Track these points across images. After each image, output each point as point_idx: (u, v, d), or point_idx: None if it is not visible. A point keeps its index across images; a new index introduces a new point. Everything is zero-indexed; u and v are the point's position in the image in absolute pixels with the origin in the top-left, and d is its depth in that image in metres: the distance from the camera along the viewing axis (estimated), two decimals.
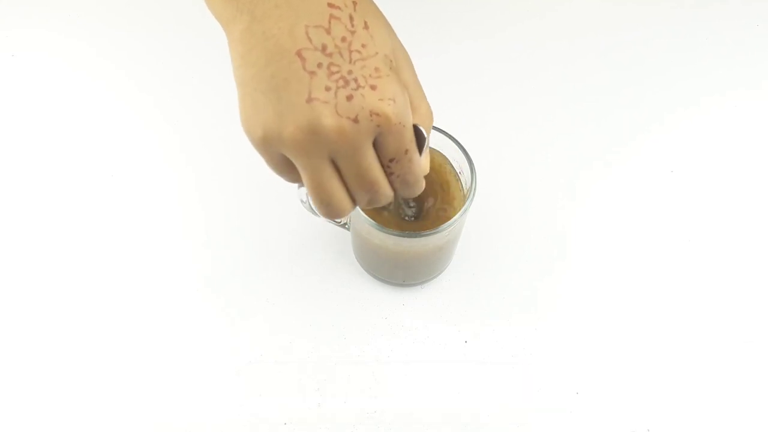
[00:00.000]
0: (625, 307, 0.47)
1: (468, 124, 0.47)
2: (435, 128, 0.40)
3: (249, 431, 0.42)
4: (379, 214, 0.41)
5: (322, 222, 0.47)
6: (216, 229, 0.49)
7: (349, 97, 0.26)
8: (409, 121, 0.28)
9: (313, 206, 0.31)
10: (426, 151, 0.31)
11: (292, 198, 0.49)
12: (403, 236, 0.39)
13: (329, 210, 0.30)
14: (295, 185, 0.41)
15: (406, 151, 0.29)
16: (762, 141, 0.54)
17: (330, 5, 0.27)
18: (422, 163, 0.31)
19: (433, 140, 0.41)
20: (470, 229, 0.49)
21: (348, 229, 0.46)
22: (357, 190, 0.29)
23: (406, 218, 0.41)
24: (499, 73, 0.57)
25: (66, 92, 0.55)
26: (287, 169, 0.29)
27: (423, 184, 0.32)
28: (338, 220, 0.45)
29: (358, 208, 0.38)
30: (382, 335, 0.46)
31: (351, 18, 0.27)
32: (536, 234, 0.49)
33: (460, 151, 0.40)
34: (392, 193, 0.31)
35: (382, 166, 0.29)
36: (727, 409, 0.43)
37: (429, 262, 0.44)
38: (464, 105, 0.54)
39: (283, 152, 0.28)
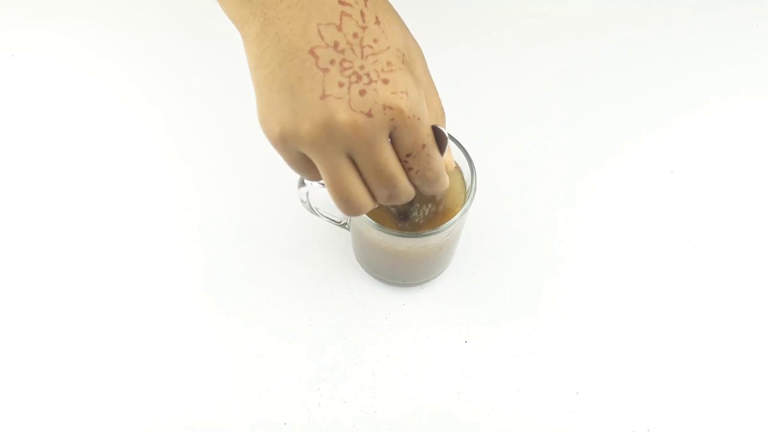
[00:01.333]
0: (625, 307, 0.47)
1: (468, 124, 0.47)
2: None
3: (249, 431, 0.42)
4: (379, 214, 0.41)
5: (322, 222, 0.47)
6: (216, 229, 0.49)
7: (362, 92, 0.26)
8: (424, 115, 0.28)
9: (332, 202, 0.31)
10: (448, 150, 0.31)
11: (293, 198, 0.49)
12: (403, 236, 0.39)
13: (349, 206, 0.30)
14: (296, 185, 0.41)
15: (424, 146, 0.29)
16: (762, 141, 0.54)
17: (341, 2, 0.27)
18: (445, 160, 0.31)
19: None
20: (470, 229, 0.49)
21: (348, 229, 0.46)
22: (375, 185, 0.29)
23: (415, 219, 0.41)
24: (499, 73, 0.57)
25: (66, 92, 0.55)
26: (306, 167, 0.30)
27: (446, 182, 0.32)
28: (339, 220, 0.45)
29: None
30: (382, 335, 0.46)
31: (362, 14, 0.27)
32: (536, 234, 0.49)
33: (460, 151, 0.40)
34: (412, 189, 0.31)
35: (401, 161, 0.29)
36: (727, 409, 0.43)
37: (429, 262, 0.44)
38: (464, 105, 0.54)
39: (301, 149, 0.28)
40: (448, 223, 0.38)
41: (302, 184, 0.40)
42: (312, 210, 0.44)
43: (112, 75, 0.56)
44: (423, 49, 0.31)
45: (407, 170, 0.30)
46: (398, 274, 0.46)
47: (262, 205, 0.50)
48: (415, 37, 0.31)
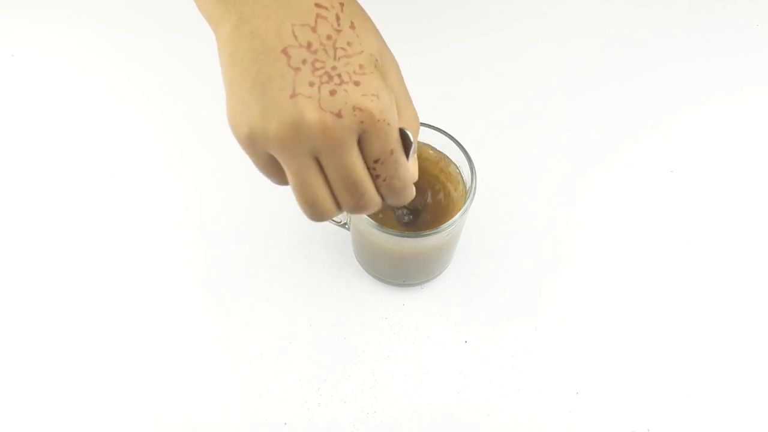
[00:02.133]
0: (625, 307, 0.47)
1: (468, 124, 0.47)
2: (435, 128, 0.40)
3: (249, 431, 0.42)
4: (379, 214, 0.41)
5: (322, 222, 0.47)
6: (216, 229, 0.49)
7: (333, 92, 0.26)
8: (394, 120, 0.28)
9: (299, 205, 0.30)
10: (413, 157, 0.31)
11: (293, 198, 0.48)
12: (403, 236, 0.39)
13: (313, 211, 0.30)
14: None
15: (392, 152, 0.28)
16: (762, 141, 0.54)
17: (317, 5, 0.27)
18: (410, 169, 0.30)
19: (434, 140, 0.41)
20: (470, 229, 0.49)
21: (348, 229, 0.46)
22: (342, 191, 0.29)
23: (405, 219, 0.41)
24: (499, 72, 0.57)
25: (66, 92, 0.55)
26: (274, 170, 0.29)
27: (412, 192, 0.31)
28: (338, 220, 0.45)
29: None
30: (382, 335, 0.46)
31: (337, 18, 0.27)
32: (536, 234, 0.49)
33: (460, 151, 0.40)
34: (379, 199, 0.30)
35: (368, 169, 0.29)
36: (727, 409, 0.43)
37: (429, 262, 0.44)
38: (464, 105, 0.54)
39: (269, 150, 0.28)
40: (448, 223, 0.38)
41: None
42: None
43: (112, 75, 0.56)
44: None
45: (374, 178, 0.29)
46: (398, 274, 0.46)
47: (262, 205, 0.50)
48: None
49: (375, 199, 0.30)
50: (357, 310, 0.47)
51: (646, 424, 0.43)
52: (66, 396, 0.43)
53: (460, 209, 0.39)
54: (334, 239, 0.49)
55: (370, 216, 0.39)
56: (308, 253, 0.48)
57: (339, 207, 0.30)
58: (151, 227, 0.49)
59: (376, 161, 0.28)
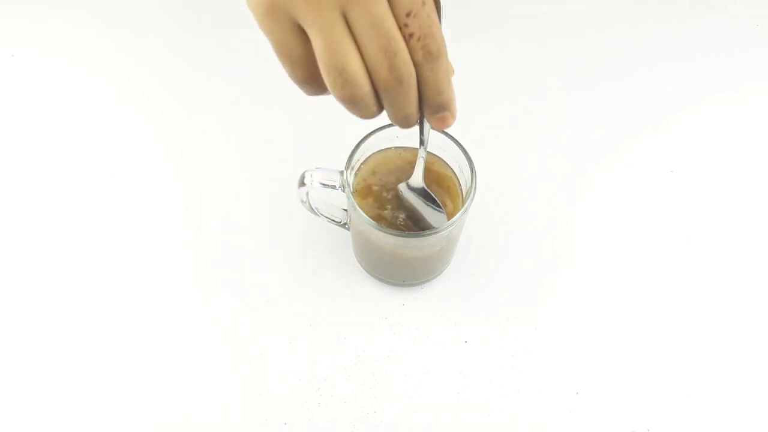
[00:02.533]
0: (625, 307, 0.47)
1: (468, 124, 0.47)
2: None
3: (249, 431, 0.42)
4: (379, 214, 0.41)
5: (322, 222, 0.47)
6: (216, 229, 0.49)
7: None
8: None
9: (326, 81, 0.28)
10: (447, 57, 0.29)
11: (293, 198, 0.49)
12: (403, 236, 0.39)
13: (343, 80, 0.28)
14: (296, 185, 0.41)
15: (423, 3, 0.27)
16: (762, 141, 0.54)
17: None
18: (445, 64, 0.29)
19: (433, 139, 0.41)
20: (470, 229, 0.49)
21: (348, 229, 0.46)
22: (374, 50, 0.27)
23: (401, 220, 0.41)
24: (499, 72, 0.57)
25: (66, 92, 0.55)
26: (298, 46, 0.28)
27: (447, 68, 0.29)
28: (339, 220, 0.45)
29: (359, 210, 0.38)
30: (382, 335, 0.46)
31: None
32: (536, 234, 0.49)
33: (460, 151, 0.40)
34: (413, 69, 0.28)
35: (400, 28, 0.27)
36: (727, 409, 0.43)
37: (429, 262, 0.44)
38: (464, 105, 0.54)
39: (292, 12, 0.27)
40: (448, 223, 0.38)
41: (302, 184, 0.40)
42: (312, 210, 0.44)
43: (112, 75, 0.56)
44: None
45: (408, 36, 0.28)
46: (398, 274, 0.46)
47: (262, 205, 0.50)
48: None
49: (409, 68, 0.28)
50: (357, 310, 0.47)
51: (646, 424, 0.43)
52: (66, 396, 0.43)
53: (459, 209, 0.39)
54: (334, 239, 0.49)
55: (369, 216, 0.39)
56: (308, 253, 0.48)
57: (371, 82, 0.28)
58: (151, 227, 0.49)
59: (407, 14, 0.27)
